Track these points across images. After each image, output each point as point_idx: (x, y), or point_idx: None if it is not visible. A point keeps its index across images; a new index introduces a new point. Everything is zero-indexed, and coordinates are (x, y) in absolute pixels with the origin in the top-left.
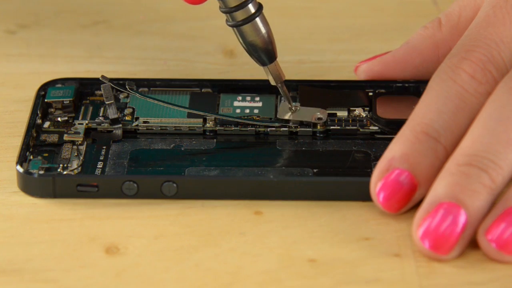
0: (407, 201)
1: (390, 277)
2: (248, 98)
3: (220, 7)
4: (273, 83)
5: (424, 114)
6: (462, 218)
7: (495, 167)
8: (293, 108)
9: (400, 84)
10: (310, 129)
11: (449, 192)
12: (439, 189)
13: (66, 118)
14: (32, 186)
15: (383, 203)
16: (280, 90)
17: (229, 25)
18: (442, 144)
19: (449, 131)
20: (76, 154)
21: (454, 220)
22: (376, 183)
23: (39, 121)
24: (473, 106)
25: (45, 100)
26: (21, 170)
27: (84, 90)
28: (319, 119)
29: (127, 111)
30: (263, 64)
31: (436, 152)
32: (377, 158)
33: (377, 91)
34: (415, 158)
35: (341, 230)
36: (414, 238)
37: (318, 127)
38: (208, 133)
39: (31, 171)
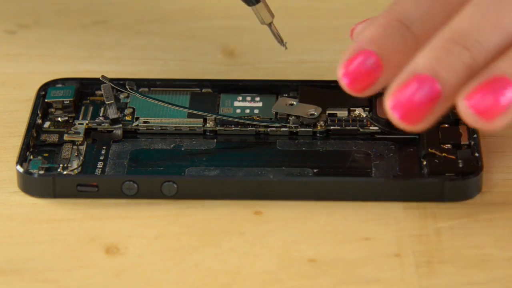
0: (371, 82)
1: (390, 277)
2: (249, 98)
3: None
4: (262, 23)
5: (399, 4)
6: (435, 91)
7: (479, 48)
8: (284, 45)
9: None
10: (310, 129)
11: (428, 64)
12: (418, 61)
13: (66, 118)
14: (32, 186)
15: (348, 82)
16: (269, 30)
17: None
18: (413, 33)
19: (422, 22)
20: (76, 154)
21: (427, 92)
22: (343, 63)
23: (39, 121)
24: (451, 2)
25: (45, 100)
26: (21, 170)
27: (84, 90)
28: (312, 114)
29: (127, 111)
30: (250, 4)
31: (406, 40)
32: (377, 158)
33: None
34: (383, 41)
35: (341, 230)
36: (386, 107)
37: (318, 127)
38: (208, 133)
39: (31, 171)
